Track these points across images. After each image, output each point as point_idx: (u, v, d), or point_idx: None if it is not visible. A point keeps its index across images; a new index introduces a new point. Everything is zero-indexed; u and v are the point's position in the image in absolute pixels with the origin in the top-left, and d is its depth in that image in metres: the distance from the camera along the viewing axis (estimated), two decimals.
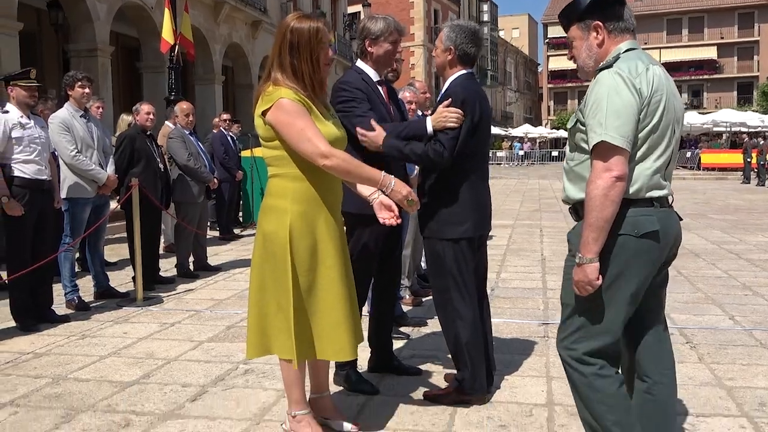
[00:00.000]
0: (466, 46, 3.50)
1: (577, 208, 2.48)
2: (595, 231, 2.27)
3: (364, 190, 3.04)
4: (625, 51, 2.41)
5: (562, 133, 54.46)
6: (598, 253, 2.29)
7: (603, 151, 2.26)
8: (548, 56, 69.41)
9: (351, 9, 34.40)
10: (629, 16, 2.46)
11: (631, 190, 2.31)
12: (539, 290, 6.28)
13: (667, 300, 5.67)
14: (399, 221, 2.96)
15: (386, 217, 2.93)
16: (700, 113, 39.84)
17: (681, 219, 2.52)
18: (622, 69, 2.31)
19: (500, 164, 42.63)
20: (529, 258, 8.13)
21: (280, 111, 2.79)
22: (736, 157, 28.20)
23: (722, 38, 58.86)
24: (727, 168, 29.25)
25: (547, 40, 69.50)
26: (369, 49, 3.62)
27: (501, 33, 64.17)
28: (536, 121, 67.96)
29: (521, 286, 6.50)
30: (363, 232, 3.55)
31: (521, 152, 46.51)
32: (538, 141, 53.69)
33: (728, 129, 35.73)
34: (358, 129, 3.39)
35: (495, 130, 45.22)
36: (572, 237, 2.47)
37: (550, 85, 70.13)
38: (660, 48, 63.17)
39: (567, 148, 2.62)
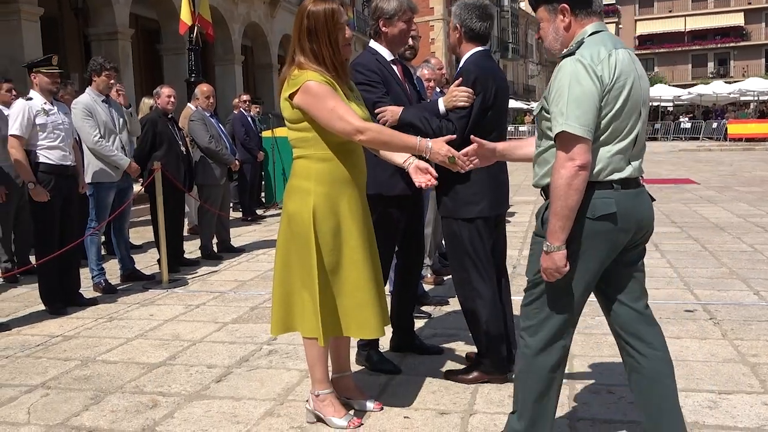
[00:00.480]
0: (471, 22, 3.47)
1: (546, 191, 2.49)
2: (561, 219, 2.30)
3: (396, 157, 3.07)
4: (590, 34, 2.40)
5: None
6: (564, 240, 2.32)
7: (565, 140, 2.28)
8: None
9: None
10: (596, 1, 2.46)
11: (593, 172, 2.33)
12: None
13: (690, 275, 5.66)
14: (436, 183, 2.98)
15: (423, 181, 2.95)
16: (726, 82, 39.09)
17: (653, 199, 2.54)
18: (584, 56, 2.31)
19: (523, 138, 42.23)
20: None
21: (308, 94, 2.82)
22: (763, 127, 27.77)
23: (749, 3, 57.50)
24: (755, 138, 28.74)
25: None
26: (383, 29, 3.62)
27: (522, 5, 63.29)
28: None
29: None
30: (383, 212, 3.57)
31: None
32: None
33: (756, 98, 35.09)
34: (378, 109, 3.41)
35: (517, 104, 44.80)
36: (538, 224, 2.50)
37: None
38: (685, 16, 62.11)
39: (536, 135, 2.63)
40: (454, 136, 3.05)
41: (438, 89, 5.95)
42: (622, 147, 2.37)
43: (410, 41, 4.35)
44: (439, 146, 2.84)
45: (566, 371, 3.61)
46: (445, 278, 5.80)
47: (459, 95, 3.35)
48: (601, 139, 2.35)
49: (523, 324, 2.56)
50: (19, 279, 6.24)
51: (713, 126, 33.37)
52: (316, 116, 2.83)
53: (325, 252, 2.92)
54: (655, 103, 39.17)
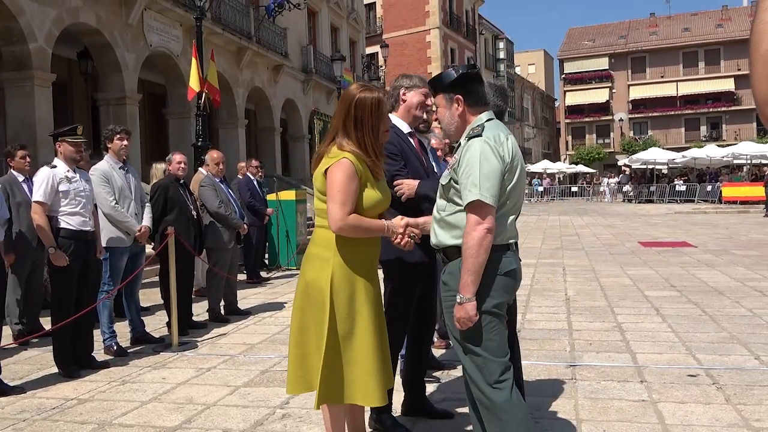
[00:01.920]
0: (493, 99, 3.71)
1: (446, 252, 2.93)
2: (473, 274, 2.70)
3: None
4: (487, 120, 2.88)
5: (582, 168, 54.58)
6: (474, 292, 2.72)
7: (477, 207, 2.70)
8: (565, 91, 69.82)
9: (369, 50, 35.06)
10: (485, 93, 2.98)
11: (498, 238, 2.77)
12: (565, 331, 6.37)
13: (691, 339, 5.75)
14: (413, 242, 3.23)
15: (402, 242, 3.19)
16: (719, 146, 39.81)
17: (520, 260, 3.03)
18: (489, 138, 2.77)
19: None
20: (553, 298, 8.22)
21: (338, 167, 3.03)
22: (757, 190, 28.09)
23: (739, 70, 58.85)
24: (749, 201, 29.11)
25: (563, 76, 69.97)
26: (403, 97, 3.85)
27: (517, 69, 64.78)
28: (555, 157, 68.08)
29: (547, 327, 6.60)
30: (401, 278, 3.73)
31: (540, 188, 46.60)
32: (557, 176, 53.77)
33: (749, 161, 35.63)
34: (396, 181, 3.61)
35: None
36: (448, 279, 2.89)
37: (567, 120, 70.39)
38: (677, 81, 63.44)
39: (438, 199, 3.02)
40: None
41: (443, 157, 6.18)
42: (513, 217, 2.89)
43: (424, 115, 4.61)
44: (396, 223, 3.16)
45: None
46: (451, 342, 5.89)
47: None
48: (504, 209, 2.81)
49: (475, 383, 2.84)
50: (30, 342, 6.31)
51: (708, 189, 33.79)
52: (329, 187, 3.02)
53: (339, 319, 3.05)
54: (650, 166, 39.78)
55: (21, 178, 6.57)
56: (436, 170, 4.77)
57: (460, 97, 2.91)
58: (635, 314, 7.07)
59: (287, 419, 4.13)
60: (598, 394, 4.45)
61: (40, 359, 5.74)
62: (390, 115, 3.91)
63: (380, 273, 3.47)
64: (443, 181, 2.94)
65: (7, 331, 6.45)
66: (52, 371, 5.31)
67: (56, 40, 13.53)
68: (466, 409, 4.21)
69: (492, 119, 2.91)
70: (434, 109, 4.81)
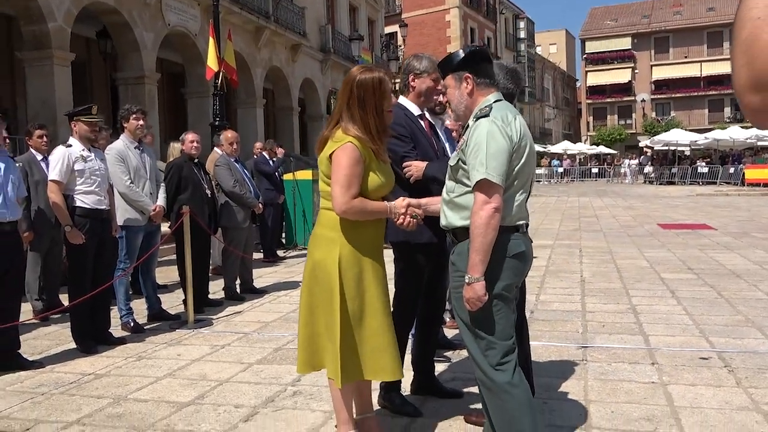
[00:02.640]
0: (505, 81, 3.69)
1: (456, 233, 2.93)
2: (481, 254, 2.70)
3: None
4: (495, 101, 2.88)
5: (602, 149, 54.05)
6: (483, 272, 2.71)
7: (484, 187, 2.70)
8: (586, 71, 69.08)
9: (388, 29, 34.84)
10: (494, 73, 2.98)
11: (506, 219, 2.77)
12: (578, 312, 6.37)
13: (705, 322, 5.73)
14: (416, 223, 3.22)
15: (404, 223, 3.19)
16: (743, 127, 39.19)
17: (531, 241, 3.02)
18: (497, 118, 2.77)
19: (539, 182, 42.41)
20: (568, 279, 8.20)
21: (343, 151, 3.04)
22: None
23: None
24: None
25: (585, 56, 69.18)
26: (412, 83, 3.85)
27: (538, 49, 64.13)
28: (575, 137, 67.54)
29: (560, 308, 6.59)
30: (410, 259, 3.75)
31: (560, 169, 46.26)
32: (577, 157, 53.33)
33: None
34: (405, 163, 3.62)
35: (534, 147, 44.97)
36: (456, 260, 2.89)
37: (588, 101, 69.70)
38: (701, 62, 62.47)
39: (447, 181, 3.02)
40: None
41: (457, 139, 6.16)
42: (523, 198, 2.88)
43: (441, 98, 4.61)
44: (398, 204, 3.16)
45: (584, 417, 3.73)
46: None
47: None
48: (511, 189, 2.81)
49: (478, 364, 2.86)
50: (49, 318, 6.43)
51: (730, 171, 33.36)
52: (334, 170, 3.04)
53: (348, 298, 3.08)
54: (672, 147, 39.32)
55: (39, 157, 6.65)
56: (449, 151, 4.78)
57: (469, 75, 2.91)
58: (650, 296, 7.04)
59: (298, 396, 4.18)
60: (608, 375, 4.46)
61: (59, 335, 5.85)
62: (401, 98, 3.91)
63: (389, 253, 3.49)
64: (452, 162, 2.94)
65: (27, 307, 6.58)
66: (71, 347, 5.42)
67: (75, 20, 13.58)
68: (475, 389, 4.25)
69: (500, 100, 2.90)
70: (443, 90, 4.84)
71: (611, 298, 7.01)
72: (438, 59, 3.93)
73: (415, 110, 3.86)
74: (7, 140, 7.43)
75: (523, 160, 2.80)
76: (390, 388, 3.86)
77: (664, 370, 4.53)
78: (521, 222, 2.86)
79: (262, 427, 3.69)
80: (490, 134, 2.72)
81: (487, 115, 2.78)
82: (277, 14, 21.51)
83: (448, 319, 5.87)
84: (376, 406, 3.74)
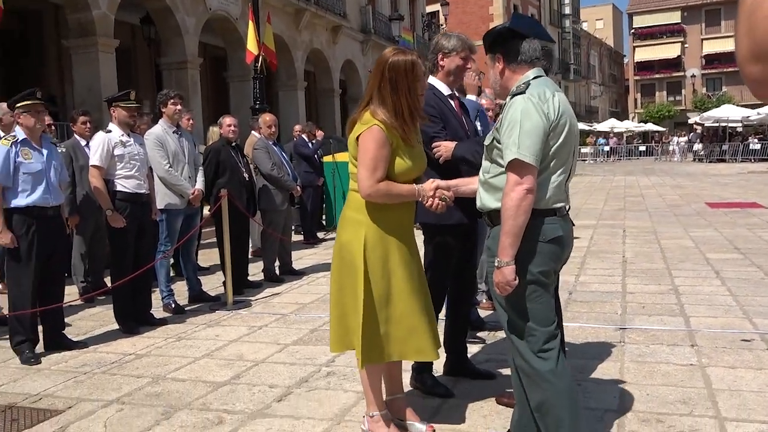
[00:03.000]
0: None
1: (491, 216, 2.83)
2: (511, 237, 2.60)
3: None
4: (533, 78, 2.76)
5: (651, 127, 52.79)
6: (513, 256, 2.61)
7: (516, 167, 2.59)
8: (634, 47, 67.45)
9: (429, 8, 34.48)
10: (528, 49, 2.81)
11: (541, 202, 2.65)
12: (618, 294, 6.26)
13: (750, 303, 5.58)
14: (446, 205, 3.17)
15: (434, 204, 3.13)
16: None
17: (573, 224, 2.90)
18: (533, 95, 2.65)
19: (584, 161, 41.69)
20: (609, 260, 8.07)
21: (369, 134, 3.03)
22: None
23: None
24: None
25: (632, 31, 67.52)
26: (441, 62, 3.81)
27: (584, 25, 62.81)
28: (623, 115, 66.16)
29: (600, 289, 6.50)
30: (440, 241, 3.74)
31: (606, 148, 45.36)
32: (624, 135, 52.20)
33: None
34: (434, 144, 3.60)
35: (579, 125, 44.21)
36: (491, 243, 2.79)
37: (636, 77, 68.11)
38: None
39: (483, 161, 2.93)
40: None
41: (494, 118, 6.10)
42: (562, 179, 2.73)
43: (475, 79, 4.57)
44: (426, 187, 3.11)
45: (618, 399, 3.68)
46: None
47: None
48: (547, 170, 2.68)
49: (518, 350, 2.77)
50: (95, 299, 6.61)
51: None
52: (360, 153, 3.03)
53: (373, 280, 3.08)
54: (723, 124, 38.18)
55: (83, 143, 6.80)
56: (480, 131, 4.73)
57: (500, 55, 2.86)
58: (693, 277, 6.89)
59: (331, 377, 4.22)
60: (645, 357, 4.39)
61: (103, 316, 6.00)
62: (430, 78, 3.87)
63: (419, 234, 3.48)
64: (486, 141, 2.87)
65: (73, 289, 6.78)
66: (113, 327, 5.56)
67: (118, 6, 13.77)
68: (507, 371, 4.23)
69: (540, 76, 2.78)
70: (484, 72, 4.77)
71: (653, 278, 6.88)
72: (468, 38, 3.90)
73: (445, 90, 3.83)
74: (53, 126, 7.65)
75: (561, 140, 2.67)
76: (422, 369, 3.86)
77: (704, 352, 4.44)
78: (559, 205, 2.73)
79: (295, 407, 3.74)
80: (525, 112, 2.61)
81: (522, 92, 2.68)
82: None
83: (484, 300, 5.86)
84: (408, 388, 3.77)
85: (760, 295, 5.99)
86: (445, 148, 3.58)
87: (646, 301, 5.89)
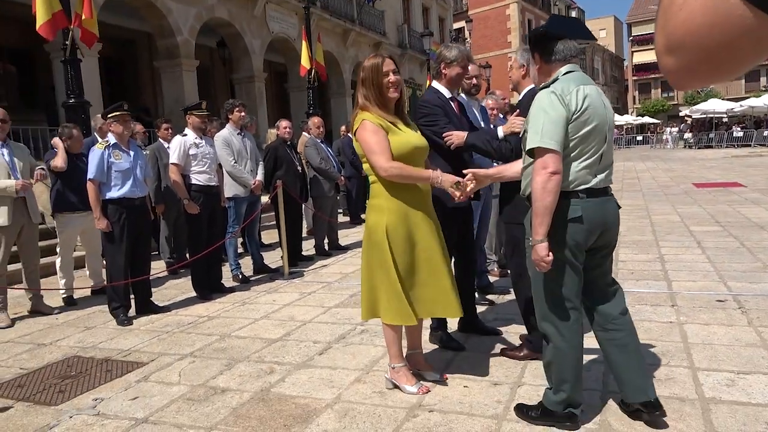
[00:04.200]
0: None
1: (529, 199, 2.62)
2: (540, 216, 2.44)
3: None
4: (564, 74, 2.57)
5: (647, 120, 51.15)
6: (544, 234, 2.45)
7: (540, 153, 2.44)
8: (632, 52, 65.32)
9: (456, 25, 33.96)
10: (563, 49, 2.62)
11: (564, 183, 2.48)
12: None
13: (726, 269, 5.37)
14: (467, 197, 3.08)
15: (458, 195, 3.03)
16: None
17: (619, 207, 2.65)
18: (556, 88, 2.50)
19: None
20: None
21: (362, 129, 2.99)
22: None
23: None
24: None
25: (631, 38, 65.35)
26: (443, 71, 3.71)
27: None
28: (623, 110, 64.21)
29: None
30: (441, 220, 3.65)
31: None
32: (624, 127, 50.65)
33: None
34: (445, 134, 3.49)
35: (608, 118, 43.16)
36: (527, 223, 2.63)
37: (634, 78, 65.99)
38: None
39: (523, 152, 2.73)
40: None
41: (501, 116, 5.95)
42: (588, 164, 2.51)
43: (475, 80, 4.44)
44: (446, 178, 2.97)
45: (603, 351, 3.56)
46: (508, 272, 5.78)
47: (515, 123, 3.38)
48: (570, 156, 2.50)
49: (538, 316, 2.68)
50: (179, 272, 6.72)
51: (764, 134, 30.92)
52: (363, 147, 2.97)
53: (397, 254, 3.01)
54: (710, 115, 36.77)
55: (166, 145, 6.88)
56: (482, 125, 4.61)
57: (537, 54, 2.68)
58: (678, 247, 6.65)
59: (365, 334, 4.20)
60: (632, 316, 4.22)
61: (184, 285, 6.09)
62: (434, 83, 3.78)
63: None
64: (522, 134, 2.72)
65: (161, 264, 6.90)
66: (192, 295, 5.64)
67: (199, 33, 13.92)
68: (512, 327, 4.15)
69: (572, 72, 2.57)
70: (484, 76, 4.65)
71: (642, 249, 6.66)
72: (467, 49, 3.80)
73: (447, 93, 3.73)
74: (146, 132, 7.76)
75: (586, 129, 2.46)
76: (438, 327, 3.81)
77: (682, 312, 4.27)
78: (583, 187, 2.50)
79: (333, 359, 3.73)
80: (546, 104, 2.46)
81: (548, 86, 2.53)
82: (361, 18, 21.34)
83: (495, 269, 5.76)
84: (426, 343, 3.73)
85: (735, 261, 5.75)
86: (456, 136, 3.48)
87: (635, 268, 5.71)
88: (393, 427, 2.75)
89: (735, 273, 5.28)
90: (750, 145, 31.18)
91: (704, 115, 36.98)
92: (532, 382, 3.20)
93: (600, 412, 2.78)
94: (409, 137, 3.04)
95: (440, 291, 3.06)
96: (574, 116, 2.45)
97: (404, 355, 3.25)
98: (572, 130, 2.46)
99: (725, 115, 36.34)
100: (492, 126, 5.59)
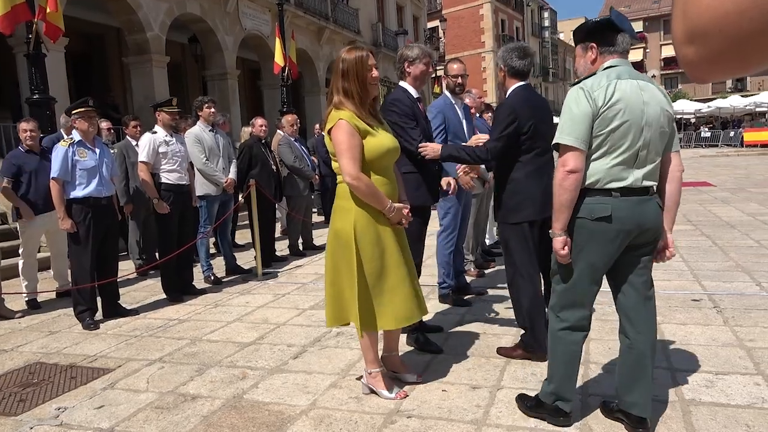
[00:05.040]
0: (512, 61, 3.48)
1: None
2: (558, 212, 2.42)
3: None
4: (605, 68, 2.46)
5: None
6: (562, 229, 2.43)
7: (562, 150, 2.39)
8: None
9: (430, 24, 33.99)
10: (622, 41, 2.50)
11: (589, 181, 2.40)
12: None
13: (699, 268, 5.40)
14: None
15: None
16: (743, 96, 36.91)
17: (662, 208, 2.48)
18: (586, 84, 2.40)
19: None
20: None
21: (338, 129, 2.85)
22: None
23: None
24: None
25: None
26: (407, 69, 3.66)
27: (561, 35, 61.69)
28: None
29: None
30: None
31: None
32: None
33: None
34: (420, 145, 3.45)
35: (556, 119, 43.66)
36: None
37: None
38: None
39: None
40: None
41: (477, 114, 5.91)
42: (622, 160, 2.37)
43: (459, 80, 4.41)
44: (398, 205, 2.93)
45: (583, 353, 3.52)
46: (486, 272, 5.74)
47: (479, 139, 3.62)
48: (598, 152, 2.38)
49: (551, 304, 2.65)
50: (149, 273, 6.53)
51: (731, 134, 31.61)
52: (335, 147, 2.85)
53: (366, 260, 2.89)
54: (678, 116, 37.44)
55: (134, 143, 6.68)
56: (465, 127, 4.57)
57: (594, 45, 2.52)
58: None
59: (340, 337, 4.11)
60: (608, 316, 4.22)
61: (154, 287, 5.92)
62: (401, 83, 3.71)
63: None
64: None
65: (130, 265, 6.71)
66: (162, 297, 5.48)
67: (170, 28, 13.61)
68: (490, 327, 4.09)
69: (614, 66, 2.44)
70: (467, 74, 4.60)
71: None
72: (427, 47, 3.77)
73: (414, 93, 3.67)
74: (111, 130, 7.54)
75: (614, 124, 2.33)
76: (416, 330, 3.74)
77: (659, 311, 4.21)
78: (615, 185, 2.37)
79: (308, 363, 3.63)
80: (573, 100, 2.39)
81: (580, 81, 2.44)
82: (335, 15, 21.17)
83: (471, 269, 5.71)
84: (404, 346, 3.65)
85: (709, 260, 5.79)
86: (431, 149, 3.44)
87: None
88: None
89: (708, 272, 5.31)
90: (717, 146, 31.84)
91: (673, 116, 37.58)
92: (511, 385, 3.14)
93: (580, 417, 2.74)
94: (383, 140, 2.93)
95: (405, 297, 2.96)
96: (601, 111, 2.33)
97: (380, 357, 3.17)
98: (599, 125, 2.35)
99: (693, 116, 37.06)
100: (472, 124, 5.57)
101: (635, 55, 62.75)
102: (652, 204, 2.43)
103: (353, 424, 2.78)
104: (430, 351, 3.68)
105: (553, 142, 2.43)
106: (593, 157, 2.39)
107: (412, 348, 3.74)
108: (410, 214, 3.03)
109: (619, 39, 2.49)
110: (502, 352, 3.58)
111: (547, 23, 53.34)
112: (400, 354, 3.37)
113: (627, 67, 2.46)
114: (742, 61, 0.62)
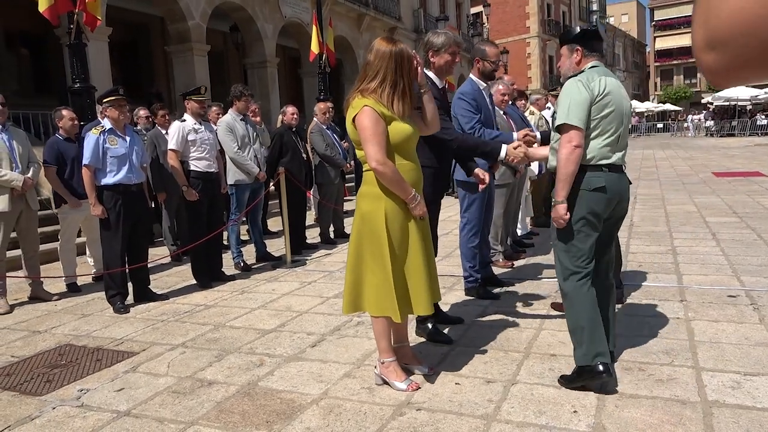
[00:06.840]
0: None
1: (555, 171, 2.96)
2: (561, 182, 2.83)
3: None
4: (590, 67, 2.97)
5: (669, 107, 50.21)
6: (565, 197, 2.85)
7: (566, 129, 2.83)
8: (655, 37, 64.04)
9: (473, 9, 33.43)
10: (600, 48, 3.04)
11: (587, 158, 2.85)
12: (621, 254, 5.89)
13: (740, 262, 5.18)
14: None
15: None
16: None
17: (630, 182, 3.04)
18: (582, 78, 2.90)
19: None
20: None
21: (363, 115, 2.81)
22: None
23: None
24: None
25: (653, 23, 64.04)
26: (431, 59, 3.56)
27: (610, 19, 59.88)
28: (644, 97, 63.08)
29: None
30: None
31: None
32: (645, 114, 49.71)
33: None
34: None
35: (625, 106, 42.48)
36: (554, 192, 2.95)
37: (656, 64, 64.74)
38: None
39: (552, 132, 3.08)
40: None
41: (510, 102, 5.77)
42: (609, 142, 2.88)
43: (491, 65, 4.29)
44: (422, 201, 2.93)
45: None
46: (514, 263, 5.63)
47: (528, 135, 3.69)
48: (593, 134, 2.87)
49: (559, 272, 2.99)
50: (183, 259, 6.65)
51: None
52: (360, 134, 2.82)
53: (396, 245, 2.90)
54: (733, 103, 35.90)
55: (163, 131, 6.80)
56: (492, 114, 4.47)
57: (580, 48, 3.00)
58: (692, 238, 6.44)
59: (360, 326, 4.10)
60: (637, 311, 4.09)
61: (186, 273, 6.03)
62: (426, 71, 3.61)
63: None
64: (552, 114, 3.02)
65: (165, 251, 6.86)
66: (192, 283, 5.58)
67: (211, 17, 13.81)
68: (518, 319, 4.01)
69: (595, 66, 2.95)
70: (502, 62, 4.48)
71: (654, 240, 6.46)
72: (456, 35, 3.66)
73: (438, 83, 3.59)
74: (150, 118, 7.69)
75: (605, 112, 2.83)
76: (423, 320, 3.69)
77: (691, 307, 4.11)
78: (604, 162, 2.86)
79: (325, 352, 3.63)
80: (573, 89, 2.84)
81: (575, 76, 2.91)
82: (375, 2, 21.06)
83: (500, 260, 5.61)
84: (414, 336, 3.62)
85: (751, 254, 5.54)
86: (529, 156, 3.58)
87: (645, 261, 5.52)
88: (377, 426, 2.65)
89: (750, 267, 5.08)
90: None
91: (727, 103, 36.07)
92: (526, 380, 3.07)
93: (594, 414, 2.65)
94: (404, 126, 2.90)
95: (418, 289, 2.94)
96: (597, 99, 2.81)
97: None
98: (595, 111, 2.82)
99: (749, 103, 35.42)
100: (502, 112, 5.44)
101: (688, 39, 60.37)
102: (626, 178, 3.00)
103: (362, 414, 2.76)
104: (440, 341, 3.63)
105: (558, 122, 2.82)
106: (590, 137, 2.86)
107: (422, 339, 3.70)
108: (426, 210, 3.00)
109: (597, 45, 3.02)
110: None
111: (595, 7, 51.72)
112: (415, 345, 3.33)
113: (605, 68, 3.00)
114: None
